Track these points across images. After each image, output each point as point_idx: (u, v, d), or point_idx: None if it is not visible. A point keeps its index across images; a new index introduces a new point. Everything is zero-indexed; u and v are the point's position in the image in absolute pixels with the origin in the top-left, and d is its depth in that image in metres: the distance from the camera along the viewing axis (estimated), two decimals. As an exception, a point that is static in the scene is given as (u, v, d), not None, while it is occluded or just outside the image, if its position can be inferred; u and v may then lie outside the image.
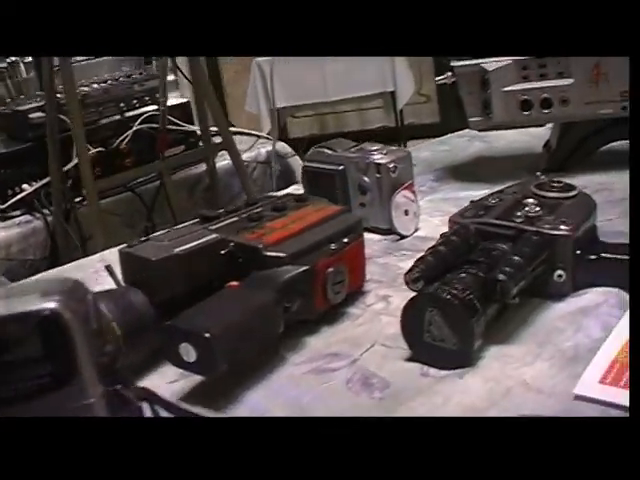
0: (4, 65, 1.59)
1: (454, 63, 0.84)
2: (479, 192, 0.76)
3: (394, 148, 0.77)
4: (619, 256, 0.58)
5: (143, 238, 0.63)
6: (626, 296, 0.57)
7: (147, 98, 1.51)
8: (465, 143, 1.08)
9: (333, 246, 0.61)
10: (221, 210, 0.68)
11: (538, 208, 0.60)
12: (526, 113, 0.83)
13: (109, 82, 1.47)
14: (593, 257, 0.58)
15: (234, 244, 0.60)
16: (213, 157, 1.47)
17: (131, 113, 1.50)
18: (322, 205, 0.66)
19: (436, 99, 3.23)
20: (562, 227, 0.57)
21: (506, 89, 0.83)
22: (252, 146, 1.57)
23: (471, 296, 0.50)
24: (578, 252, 0.58)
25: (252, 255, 0.59)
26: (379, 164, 0.74)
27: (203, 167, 1.49)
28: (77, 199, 1.38)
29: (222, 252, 0.60)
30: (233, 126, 1.94)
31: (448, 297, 0.50)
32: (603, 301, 0.57)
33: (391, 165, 0.74)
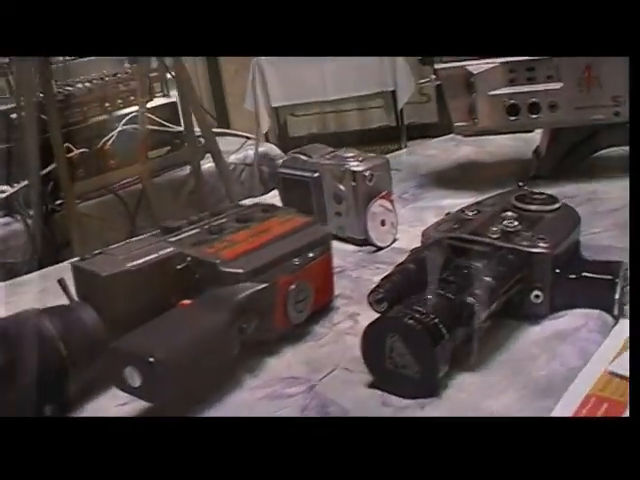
0: (6, 61, 1.56)
1: (438, 65, 0.80)
2: (463, 200, 0.72)
3: (372, 155, 0.73)
4: (601, 276, 0.54)
5: (97, 251, 0.59)
6: (608, 319, 0.53)
7: (132, 98, 1.48)
8: (453, 147, 1.04)
9: (297, 261, 0.57)
10: (184, 221, 0.64)
11: (517, 222, 0.57)
12: (513, 118, 0.79)
13: (94, 81, 1.43)
14: (573, 276, 0.54)
15: (190, 258, 0.57)
16: (198, 159, 1.43)
17: (117, 113, 1.46)
18: (290, 216, 0.63)
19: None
20: (540, 244, 0.53)
21: (492, 93, 0.79)
22: (240, 147, 1.53)
23: (436, 320, 0.47)
24: (557, 271, 0.54)
25: (208, 271, 0.55)
26: (355, 172, 0.70)
27: (189, 168, 1.45)
28: (58, 201, 1.35)
29: (178, 267, 0.57)
30: (228, 127, 1.91)
31: (410, 322, 0.46)
32: (582, 325, 0.53)
33: (367, 173, 0.70)
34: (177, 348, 0.49)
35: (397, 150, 1.45)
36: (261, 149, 1.53)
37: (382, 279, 0.52)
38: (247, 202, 0.70)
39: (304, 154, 0.76)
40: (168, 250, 0.57)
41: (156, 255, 0.56)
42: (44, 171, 1.26)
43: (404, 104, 2.76)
